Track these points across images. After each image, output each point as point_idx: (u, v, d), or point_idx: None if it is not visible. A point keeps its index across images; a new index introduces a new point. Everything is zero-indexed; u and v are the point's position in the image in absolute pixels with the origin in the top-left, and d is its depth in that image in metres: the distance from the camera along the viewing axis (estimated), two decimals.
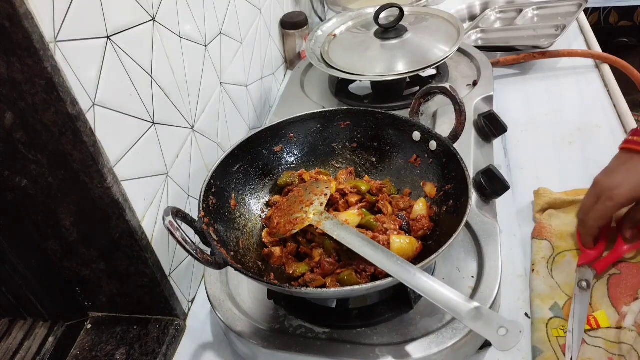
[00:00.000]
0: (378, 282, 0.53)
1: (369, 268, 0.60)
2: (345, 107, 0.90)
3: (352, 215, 0.66)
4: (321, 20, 1.38)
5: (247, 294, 0.69)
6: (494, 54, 1.12)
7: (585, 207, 0.70)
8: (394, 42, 0.91)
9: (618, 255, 0.69)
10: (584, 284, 0.67)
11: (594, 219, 0.68)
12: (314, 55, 0.96)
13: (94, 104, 0.55)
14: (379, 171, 0.77)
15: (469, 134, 0.82)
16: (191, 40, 0.76)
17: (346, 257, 0.63)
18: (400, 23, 0.92)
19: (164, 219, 0.54)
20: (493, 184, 0.74)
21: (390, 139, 0.75)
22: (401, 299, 0.63)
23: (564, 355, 0.61)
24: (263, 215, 0.74)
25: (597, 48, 1.15)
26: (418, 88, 0.97)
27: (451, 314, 0.50)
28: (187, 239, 0.54)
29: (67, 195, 0.59)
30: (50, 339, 0.74)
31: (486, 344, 0.63)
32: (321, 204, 0.66)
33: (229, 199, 0.70)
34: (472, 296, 0.63)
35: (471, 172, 0.75)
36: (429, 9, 1.02)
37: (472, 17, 1.34)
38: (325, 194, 0.68)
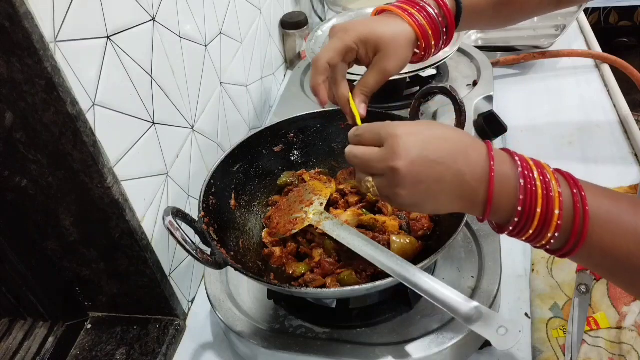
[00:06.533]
0: (378, 282, 0.53)
1: (369, 268, 0.60)
2: None
3: (352, 215, 0.66)
4: (321, 20, 1.38)
5: (247, 294, 0.69)
6: (494, 54, 1.12)
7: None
8: None
9: None
10: (583, 288, 0.67)
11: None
12: (314, 55, 0.96)
13: (94, 104, 0.54)
14: None
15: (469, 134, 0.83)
16: (191, 40, 0.76)
17: (346, 257, 0.63)
18: None
19: (164, 219, 0.55)
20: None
21: None
22: (401, 299, 0.63)
23: (564, 356, 0.61)
24: (263, 215, 0.74)
25: (597, 48, 1.15)
26: (418, 88, 0.97)
27: (451, 313, 0.50)
28: (187, 239, 0.54)
29: (67, 195, 0.59)
30: (50, 339, 0.74)
31: (486, 344, 0.63)
32: (321, 204, 0.66)
33: (229, 199, 0.70)
34: (472, 296, 0.63)
35: None
36: None
37: None
38: (325, 195, 0.68)
